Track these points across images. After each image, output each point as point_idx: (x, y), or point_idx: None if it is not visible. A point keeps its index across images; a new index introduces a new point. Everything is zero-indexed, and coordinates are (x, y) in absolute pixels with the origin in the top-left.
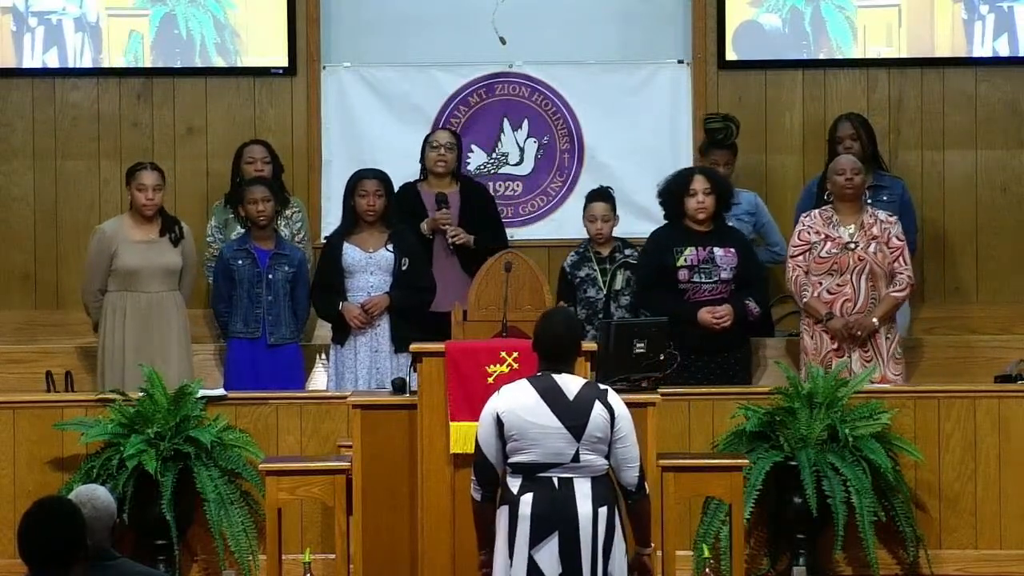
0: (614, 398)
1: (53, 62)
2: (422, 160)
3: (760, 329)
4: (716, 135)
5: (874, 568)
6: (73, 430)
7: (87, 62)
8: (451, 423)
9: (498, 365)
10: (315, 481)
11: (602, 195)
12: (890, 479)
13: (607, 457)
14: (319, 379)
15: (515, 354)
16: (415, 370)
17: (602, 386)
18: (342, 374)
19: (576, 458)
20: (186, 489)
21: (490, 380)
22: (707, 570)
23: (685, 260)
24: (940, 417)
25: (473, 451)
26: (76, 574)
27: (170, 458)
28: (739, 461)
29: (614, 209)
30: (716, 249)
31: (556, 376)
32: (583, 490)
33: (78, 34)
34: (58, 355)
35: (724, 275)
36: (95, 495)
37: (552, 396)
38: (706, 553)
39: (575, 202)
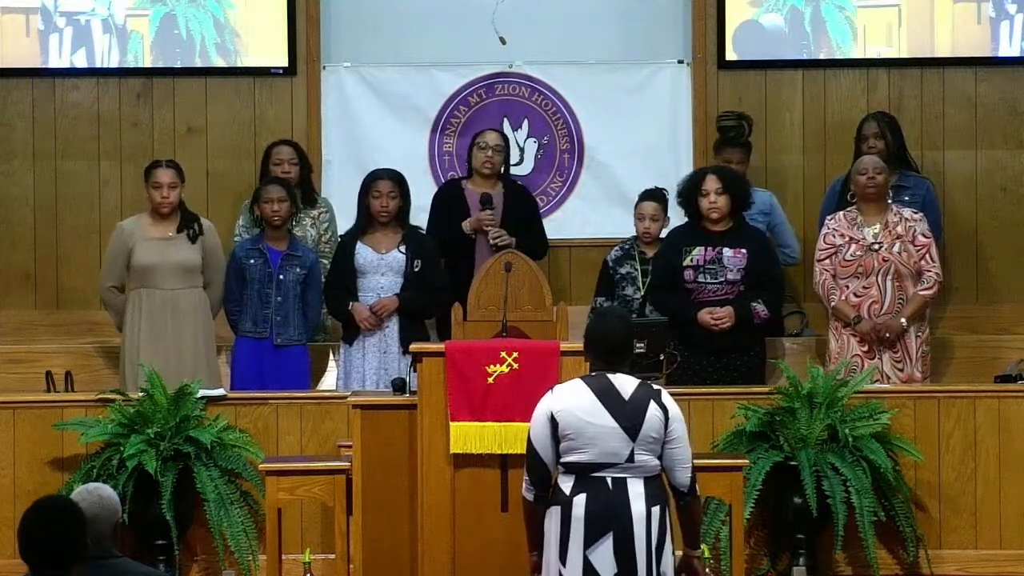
0: (668, 399)
1: (81, 62)
2: (469, 159)
3: (771, 330)
4: (728, 133)
5: (874, 568)
6: (73, 430)
7: (115, 62)
8: (451, 423)
9: (498, 365)
10: (315, 481)
11: (654, 195)
12: (890, 479)
13: (659, 458)
14: (331, 378)
15: (515, 354)
16: (415, 370)
17: (655, 386)
18: (350, 373)
19: (631, 458)
20: (186, 489)
21: (490, 380)
22: (707, 570)
23: (691, 260)
24: (940, 417)
25: (525, 451)
26: (76, 574)
27: (170, 458)
28: (739, 461)
29: (665, 210)
30: (726, 250)
31: (611, 376)
32: (636, 490)
33: (105, 35)
34: (58, 355)
35: (731, 276)
36: (101, 491)
37: (608, 396)
38: (706, 553)
39: (575, 202)
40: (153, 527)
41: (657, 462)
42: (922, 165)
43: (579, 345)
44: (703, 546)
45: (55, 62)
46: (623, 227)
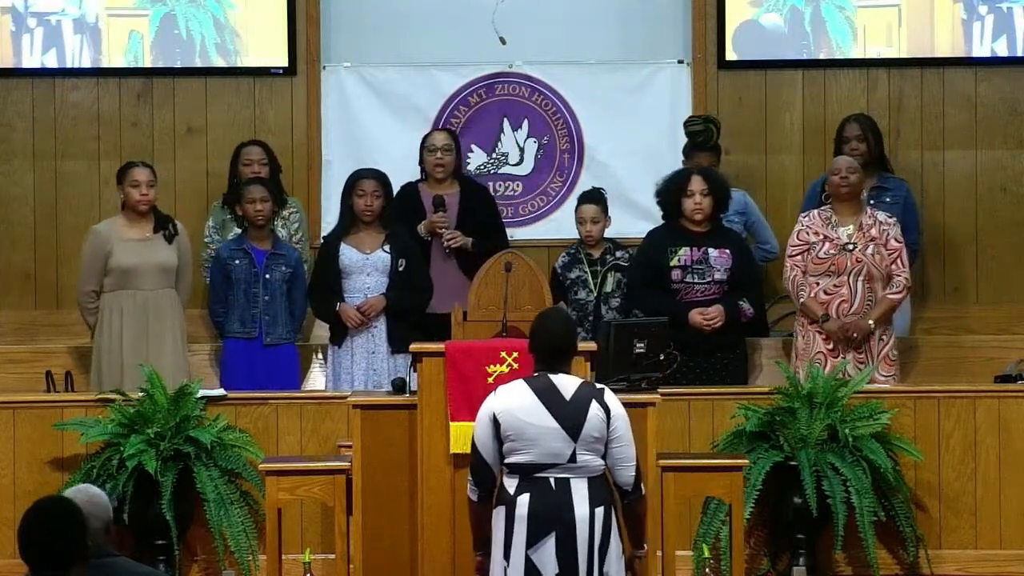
0: (610, 397)
1: (52, 62)
2: (421, 163)
3: (755, 329)
4: (697, 138)
5: (874, 568)
6: (73, 430)
7: (86, 62)
8: (451, 423)
9: (498, 365)
10: (315, 481)
11: (592, 197)
12: (890, 479)
13: (604, 457)
14: (316, 379)
15: (515, 354)
16: (415, 370)
17: (598, 385)
18: (339, 375)
19: (573, 458)
20: (186, 489)
21: (490, 380)
22: (707, 570)
23: (679, 260)
24: (940, 417)
25: (470, 451)
26: (76, 574)
27: (170, 458)
28: (739, 461)
29: (605, 211)
30: (711, 250)
31: (553, 376)
32: (580, 491)
33: (77, 35)
34: (58, 355)
35: (718, 276)
36: (90, 490)
37: (549, 396)
38: (706, 553)
39: (575, 202)
40: (153, 527)
41: (601, 462)
42: (922, 165)
43: (580, 346)
44: (703, 546)
45: (28, 62)
46: (623, 227)
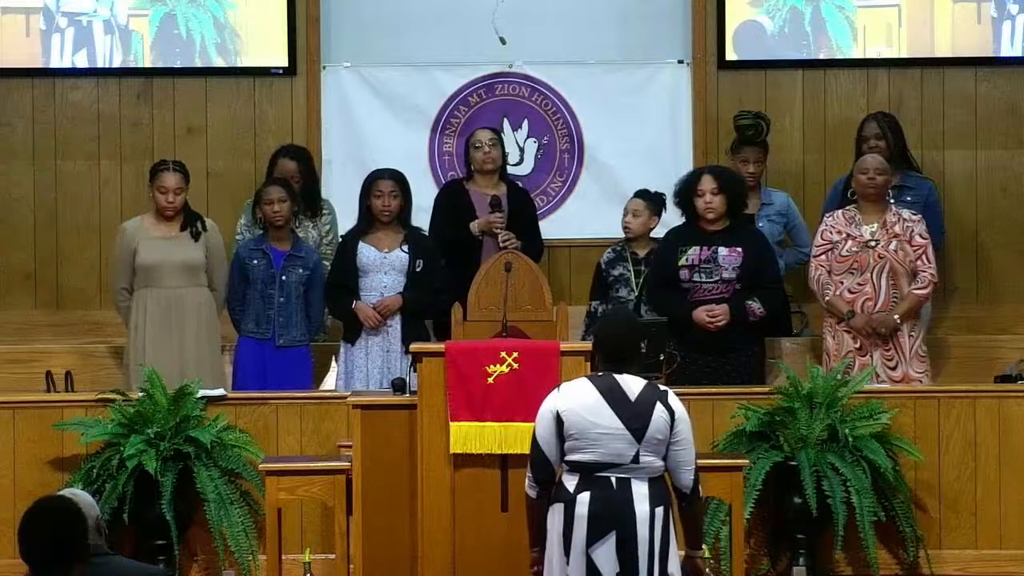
0: (674, 400)
1: (82, 62)
2: (467, 161)
3: (776, 330)
4: (746, 131)
5: (874, 568)
6: (73, 430)
7: (116, 62)
8: (451, 423)
9: (498, 365)
10: (315, 481)
11: (643, 194)
12: (890, 479)
13: (664, 459)
14: (333, 378)
15: (515, 354)
16: (415, 370)
17: (662, 387)
18: (352, 373)
19: (636, 459)
20: (186, 489)
21: (490, 380)
22: (707, 570)
23: (687, 259)
24: (940, 417)
25: (530, 448)
26: (76, 574)
27: (170, 458)
28: (739, 461)
29: (654, 210)
30: (721, 249)
31: (618, 376)
32: (641, 491)
33: (107, 36)
34: (58, 355)
35: (726, 275)
36: (76, 492)
37: (614, 396)
38: (706, 553)
39: (575, 202)
40: (153, 527)
41: (661, 463)
42: (922, 165)
43: (578, 345)
44: (703, 546)
45: (56, 62)
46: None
